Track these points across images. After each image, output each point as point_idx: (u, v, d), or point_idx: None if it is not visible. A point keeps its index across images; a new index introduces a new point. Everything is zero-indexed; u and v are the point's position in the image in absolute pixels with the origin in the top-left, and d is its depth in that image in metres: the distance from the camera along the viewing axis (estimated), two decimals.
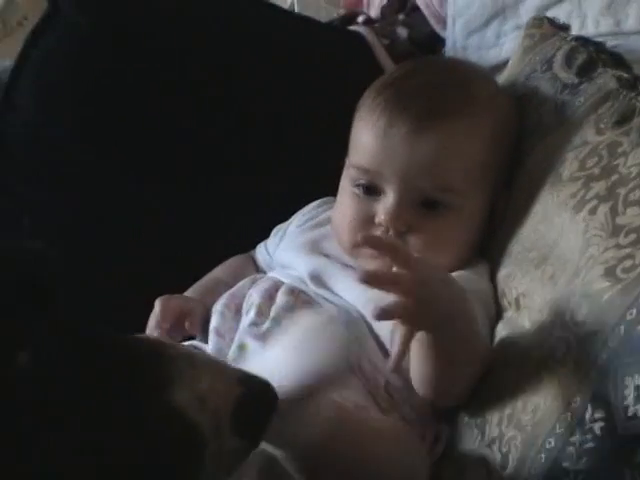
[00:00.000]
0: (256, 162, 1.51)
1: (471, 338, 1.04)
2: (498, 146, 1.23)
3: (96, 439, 0.67)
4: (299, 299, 1.20)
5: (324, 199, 1.38)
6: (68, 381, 0.67)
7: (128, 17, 1.52)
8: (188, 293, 1.32)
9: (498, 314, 1.13)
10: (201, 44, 1.53)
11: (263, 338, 1.14)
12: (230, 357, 1.15)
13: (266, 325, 1.17)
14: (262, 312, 1.19)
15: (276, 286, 1.23)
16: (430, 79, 1.26)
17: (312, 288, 1.22)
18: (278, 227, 1.38)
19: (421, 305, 0.95)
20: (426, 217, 1.19)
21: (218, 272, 1.37)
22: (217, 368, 0.72)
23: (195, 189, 1.50)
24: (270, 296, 1.21)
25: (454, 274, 1.16)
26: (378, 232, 1.20)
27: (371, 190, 1.22)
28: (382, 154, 1.20)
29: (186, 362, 0.70)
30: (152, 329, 1.23)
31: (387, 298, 1.10)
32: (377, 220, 1.20)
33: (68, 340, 0.69)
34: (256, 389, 0.71)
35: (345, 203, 1.25)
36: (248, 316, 1.20)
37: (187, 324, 1.25)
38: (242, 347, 1.16)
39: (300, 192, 1.41)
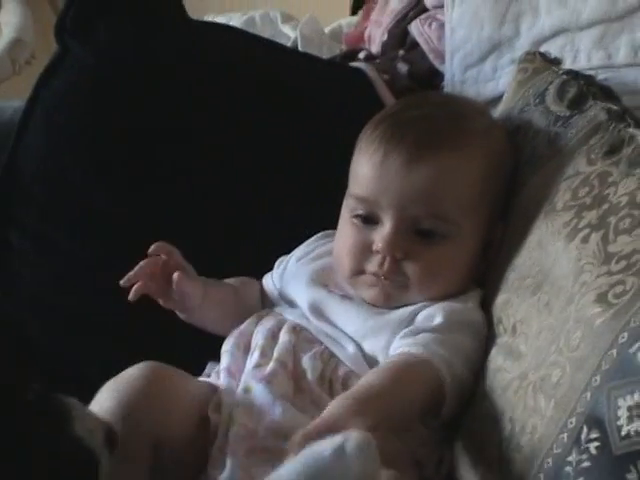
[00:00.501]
0: (264, 199, 1.54)
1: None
2: (493, 177, 1.27)
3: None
4: (300, 337, 1.24)
5: (324, 232, 1.40)
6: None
7: (136, 56, 1.56)
8: None
9: (492, 340, 1.17)
10: (209, 81, 1.57)
11: (266, 380, 1.18)
12: (238, 398, 1.18)
13: (270, 367, 1.20)
14: (265, 353, 1.23)
15: (279, 324, 1.26)
16: (426, 112, 1.31)
17: (313, 322, 1.26)
18: (280, 259, 1.41)
19: None
20: (421, 245, 1.22)
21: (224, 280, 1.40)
22: (89, 412, 1.07)
23: (207, 227, 1.52)
24: (273, 335, 1.25)
25: (445, 304, 1.21)
26: (376, 260, 1.23)
27: (369, 220, 1.25)
28: (378, 184, 1.24)
29: (72, 407, 1.02)
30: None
31: (384, 329, 1.15)
32: (374, 248, 1.24)
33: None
34: (108, 425, 1.05)
35: (345, 233, 1.29)
36: (252, 358, 1.23)
37: (175, 275, 1.26)
38: (247, 390, 1.18)
39: (302, 223, 1.45)
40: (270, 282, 1.40)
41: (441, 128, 1.28)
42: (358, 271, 1.26)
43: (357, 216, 1.27)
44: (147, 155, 1.53)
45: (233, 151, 1.54)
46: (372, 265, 1.24)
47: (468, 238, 1.24)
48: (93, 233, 1.52)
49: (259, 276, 1.42)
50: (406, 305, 1.24)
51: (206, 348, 1.32)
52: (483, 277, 1.27)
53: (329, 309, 1.27)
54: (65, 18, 1.57)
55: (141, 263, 1.28)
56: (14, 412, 0.95)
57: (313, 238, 1.41)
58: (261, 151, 1.55)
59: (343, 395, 1.07)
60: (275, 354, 1.21)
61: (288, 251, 1.42)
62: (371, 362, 1.20)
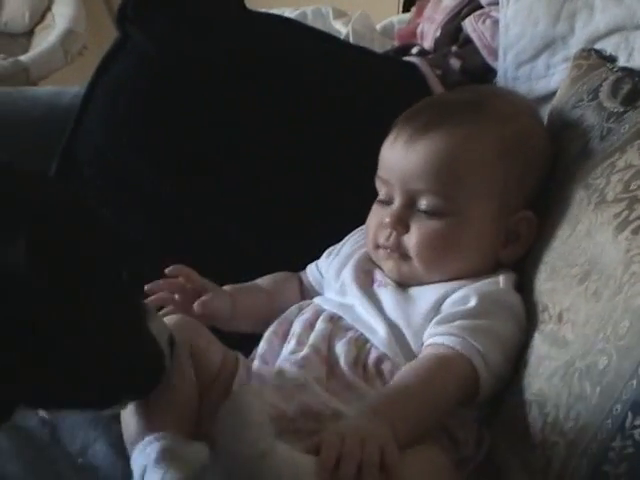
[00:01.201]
0: (313, 191, 1.55)
1: (421, 405, 1.10)
2: (505, 160, 1.27)
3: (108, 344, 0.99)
4: (337, 325, 1.26)
5: None
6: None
7: (195, 47, 1.58)
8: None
9: (537, 326, 1.18)
10: (264, 74, 1.59)
11: (299, 364, 1.20)
12: (268, 380, 1.19)
13: (304, 352, 1.22)
14: (301, 341, 1.24)
15: (317, 314, 1.28)
16: (448, 97, 1.38)
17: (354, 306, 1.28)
18: (330, 249, 1.43)
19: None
20: (424, 220, 1.25)
21: (258, 280, 1.42)
22: (158, 314, 1.14)
23: (254, 215, 1.54)
24: (310, 324, 1.26)
25: (477, 286, 1.23)
26: (384, 234, 1.28)
27: (387, 200, 1.30)
28: (389, 162, 1.31)
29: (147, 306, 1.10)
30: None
31: (415, 311, 1.19)
32: (384, 223, 1.28)
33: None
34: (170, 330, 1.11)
35: (371, 213, 1.34)
36: (289, 345, 1.24)
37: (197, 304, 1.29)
38: (280, 372, 1.20)
39: (350, 216, 1.44)
40: (315, 270, 1.42)
41: (452, 110, 1.31)
42: (376, 246, 1.31)
43: (379, 201, 1.33)
44: (200, 144, 1.55)
45: (284, 144, 1.56)
46: (382, 239, 1.29)
47: (472, 216, 1.25)
48: (144, 218, 1.55)
49: (303, 265, 1.44)
50: (429, 283, 1.26)
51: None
52: (518, 264, 1.28)
53: (368, 295, 1.29)
54: (127, 5, 1.60)
55: (160, 282, 1.30)
56: (112, 287, 0.98)
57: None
58: (312, 144, 1.57)
59: (374, 403, 1.10)
60: (310, 341, 1.23)
61: (334, 242, 1.44)
62: (403, 345, 1.21)
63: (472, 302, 1.20)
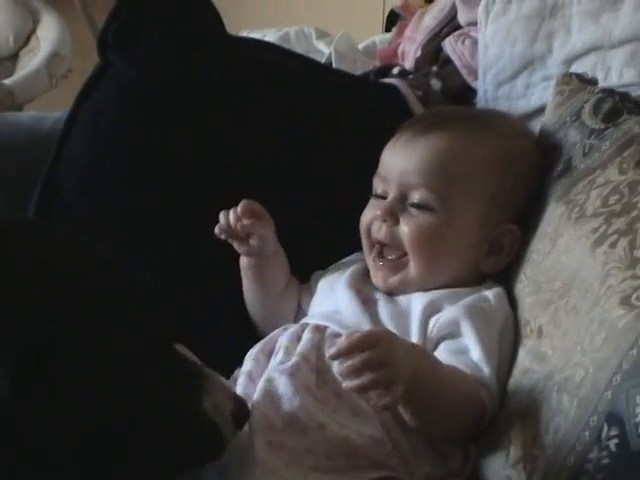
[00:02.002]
0: (298, 213, 1.54)
1: (439, 385, 1.11)
2: (497, 172, 1.32)
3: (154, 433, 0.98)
4: (325, 334, 1.27)
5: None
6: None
7: (177, 71, 1.58)
8: None
9: (520, 341, 1.20)
10: (246, 97, 1.59)
11: (288, 372, 1.20)
12: (258, 389, 1.19)
13: (293, 360, 1.22)
14: (289, 352, 1.25)
15: (303, 327, 1.29)
16: (452, 108, 1.48)
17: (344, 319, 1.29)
18: (316, 273, 1.45)
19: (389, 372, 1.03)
20: (414, 214, 1.30)
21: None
22: (222, 386, 1.08)
23: None
24: (297, 337, 1.27)
25: (462, 304, 1.24)
26: (376, 226, 1.32)
27: (382, 197, 1.34)
28: (389, 160, 1.37)
29: (207, 379, 1.05)
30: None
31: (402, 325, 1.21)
32: (377, 216, 1.32)
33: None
34: (241, 402, 1.09)
35: (364, 213, 1.37)
36: (277, 357, 1.25)
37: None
38: (269, 380, 1.19)
39: (337, 235, 1.47)
40: (306, 295, 1.44)
41: (455, 118, 1.38)
42: (370, 244, 1.35)
43: (375, 195, 1.36)
44: (185, 169, 1.55)
45: (266, 167, 1.56)
46: (375, 232, 1.33)
47: (460, 219, 1.30)
48: (130, 245, 1.52)
49: None
50: (417, 291, 1.29)
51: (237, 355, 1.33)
52: (500, 276, 1.31)
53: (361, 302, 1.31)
54: (107, 32, 1.60)
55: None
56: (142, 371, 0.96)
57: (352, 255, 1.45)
58: (295, 167, 1.57)
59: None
60: (298, 349, 1.24)
61: (323, 262, 1.46)
62: None
63: (466, 329, 1.21)
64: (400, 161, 1.33)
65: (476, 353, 1.18)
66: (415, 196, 1.30)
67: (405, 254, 1.30)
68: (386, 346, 1.03)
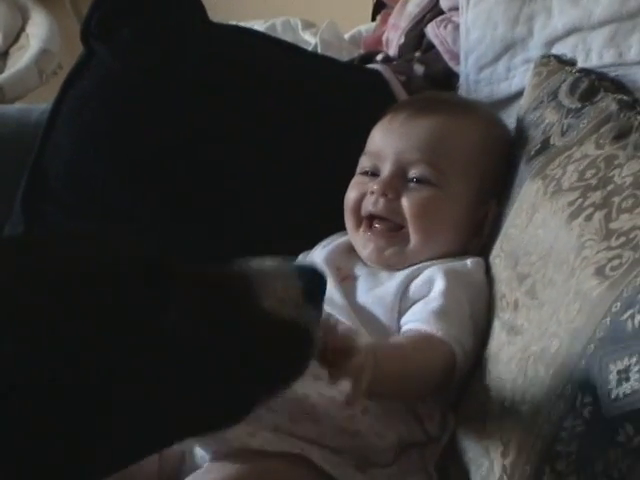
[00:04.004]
0: (279, 194, 1.57)
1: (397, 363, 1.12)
2: (488, 155, 1.37)
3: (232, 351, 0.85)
4: None
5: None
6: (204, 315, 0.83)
7: (160, 58, 1.59)
8: None
9: (496, 314, 1.21)
10: (230, 82, 1.60)
11: None
12: None
13: None
14: None
15: None
16: (442, 93, 1.52)
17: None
18: (304, 253, 1.45)
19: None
20: (413, 189, 1.32)
21: None
22: (281, 274, 0.89)
23: (224, 225, 1.55)
24: None
25: (442, 265, 1.28)
26: (371, 200, 1.32)
27: (371, 173, 1.36)
28: (383, 138, 1.39)
29: (261, 278, 0.88)
30: None
31: (388, 290, 1.22)
32: (370, 191, 1.32)
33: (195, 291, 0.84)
34: (311, 275, 0.91)
35: (350, 189, 1.39)
36: None
37: None
38: None
39: (318, 219, 1.49)
40: None
41: (449, 102, 1.45)
42: (358, 220, 1.35)
43: (363, 173, 1.38)
44: (170, 155, 1.56)
45: (250, 153, 1.57)
46: (367, 205, 1.34)
47: (455, 194, 1.33)
48: (114, 223, 1.54)
49: None
50: (405, 267, 1.30)
51: None
52: (481, 252, 1.33)
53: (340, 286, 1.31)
54: (90, 21, 1.61)
55: None
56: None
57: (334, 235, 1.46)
58: (278, 152, 1.59)
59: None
60: None
61: (304, 245, 1.46)
62: (374, 332, 1.23)
63: (439, 282, 1.24)
64: (397, 139, 1.36)
65: (437, 303, 1.21)
66: (415, 171, 1.33)
67: (401, 227, 1.32)
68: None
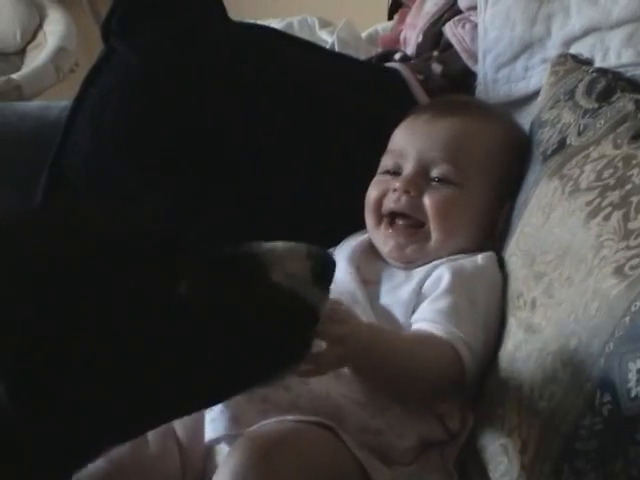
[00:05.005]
0: (298, 193, 1.58)
1: (392, 360, 1.15)
2: (508, 158, 1.39)
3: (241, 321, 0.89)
4: None
5: None
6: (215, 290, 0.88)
7: (180, 57, 1.60)
8: None
9: (513, 312, 1.22)
10: (249, 82, 1.60)
11: None
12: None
13: None
14: None
15: None
16: (457, 97, 1.53)
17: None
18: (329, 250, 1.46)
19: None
20: (435, 187, 1.34)
21: None
22: (291, 253, 0.93)
23: (241, 223, 1.56)
24: None
25: (452, 262, 1.29)
26: (393, 197, 1.34)
27: (394, 172, 1.37)
28: (406, 137, 1.41)
29: (274, 257, 0.92)
30: None
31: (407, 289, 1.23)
32: (393, 188, 1.34)
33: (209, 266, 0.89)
34: (320, 256, 0.95)
35: (371, 188, 1.40)
36: None
37: None
38: None
39: (341, 219, 1.48)
40: None
41: (471, 105, 1.48)
42: (379, 217, 1.37)
43: (385, 172, 1.40)
44: (190, 153, 1.57)
45: (269, 151, 1.58)
46: (389, 202, 1.35)
47: (475, 194, 1.35)
48: None
49: None
50: (423, 264, 1.32)
51: None
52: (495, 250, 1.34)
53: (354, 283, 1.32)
54: (111, 19, 1.62)
55: None
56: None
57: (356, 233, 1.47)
58: (298, 151, 1.59)
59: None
60: None
61: (324, 246, 1.45)
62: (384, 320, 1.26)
63: (445, 279, 1.26)
64: (420, 138, 1.38)
65: (442, 302, 1.23)
66: (437, 170, 1.35)
67: (422, 224, 1.34)
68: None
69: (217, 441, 1.15)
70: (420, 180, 1.35)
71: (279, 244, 0.94)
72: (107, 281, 0.82)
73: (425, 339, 1.19)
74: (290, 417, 1.11)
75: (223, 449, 1.14)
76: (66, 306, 0.80)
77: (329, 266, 0.96)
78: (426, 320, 1.22)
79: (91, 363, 0.81)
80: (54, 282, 0.81)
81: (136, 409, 0.86)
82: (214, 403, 1.00)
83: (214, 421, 1.14)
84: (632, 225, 1.04)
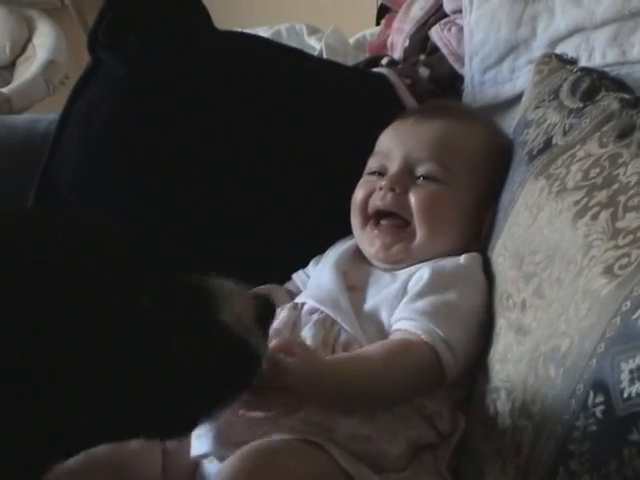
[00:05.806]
0: (289, 198, 1.58)
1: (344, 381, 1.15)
2: (492, 160, 1.40)
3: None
4: (302, 311, 1.30)
5: None
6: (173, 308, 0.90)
7: (167, 67, 1.60)
8: None
9: (502, 314, 1.21)
10: (236, 90, 1.60)
11: None
12: None
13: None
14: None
15: (281, 308, 1.31)
16: (443, 102, 1.55)
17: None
18: (316, 257, 1.47)
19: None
20: (420, 185, 1.35)
21: None
22: (239, 294, 0.97)
23: (235, 230, 1.56)
24: (294, 325, 1.29)
25: (433, 262, 1.30)
26: (379, 195, 1.35)
27: (379, 173, 1.39)
28: (392, 139, 1.43)
29: (224, 294, 0.95)
30: None
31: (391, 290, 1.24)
32: (379, 187, 1.35)
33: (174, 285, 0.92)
34: (263, 301, 0.98)
35: (358, 189, 1.41)
36: None
37: None
38: None
39: (326, 225, 1.49)
40: (303, 275, 1.46)
41: (457, 108, 1.50)
42: (365, 218, 1.38)
43: (371, 173, 1.41)
44: (178, 163, 1.56)
45: (258, 159, 1.58)
46: (375, 200, 1.36)
47: (462, 194, 1.36)
48: None
49: (286, 275, 1.48)
50: (408, 266, 1.32)
51: None
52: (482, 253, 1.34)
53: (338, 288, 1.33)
54: (97, 31, 1.62)
55: None
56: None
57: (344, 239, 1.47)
58: (285, 158, 1.59)
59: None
60: (274, 326, 1.23)
61: (311, 252, 1.47)
62: (373, 323, 1.26)
63: (425, 278, 1.26)
64: (405, 139, 1.40)
65: (419, 302, 1.23)
66: (423, 168, 1.36)
67: (408, 224, 1.34)
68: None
69: (204, 456, 1.15)
70: (406, 178, 1.36)
71: (226, 282, 0.97)
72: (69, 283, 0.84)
73: (399, 348, 1.19)
74: (276, 437, 1.11)
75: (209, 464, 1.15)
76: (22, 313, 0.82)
77: (271, 309, 1.00)
78: (404, 319, 1.22)
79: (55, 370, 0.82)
80: (10, 288, 0.82)
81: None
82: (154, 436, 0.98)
83: (199, 437, 1.13)
84: (620, 224, 1.04)
